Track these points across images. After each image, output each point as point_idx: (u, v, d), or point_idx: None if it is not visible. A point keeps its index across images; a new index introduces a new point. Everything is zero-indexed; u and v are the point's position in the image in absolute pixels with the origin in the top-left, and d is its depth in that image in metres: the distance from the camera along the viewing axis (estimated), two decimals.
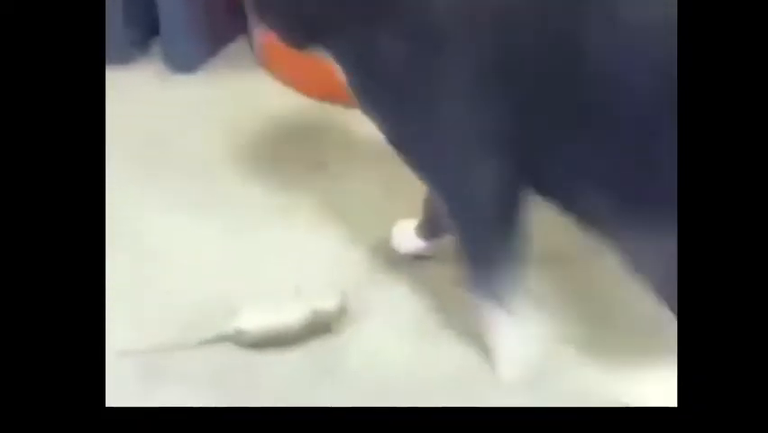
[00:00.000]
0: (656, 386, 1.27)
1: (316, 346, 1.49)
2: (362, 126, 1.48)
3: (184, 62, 2.09)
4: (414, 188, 1.57)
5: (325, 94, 1.95)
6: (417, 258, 1.64)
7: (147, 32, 2.12)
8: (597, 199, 1.24)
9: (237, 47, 2.18)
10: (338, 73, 1.41)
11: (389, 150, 1.42)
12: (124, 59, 2.08)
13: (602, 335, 1.46)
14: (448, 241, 1.57)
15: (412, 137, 1.38)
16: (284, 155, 1.86)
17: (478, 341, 1.48)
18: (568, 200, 1.28)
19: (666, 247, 1.08)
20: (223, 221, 1.70)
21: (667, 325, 1.12)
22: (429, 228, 1.62)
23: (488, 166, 1.33)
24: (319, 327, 1.49)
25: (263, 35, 2.03)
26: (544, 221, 1.35)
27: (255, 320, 1.47)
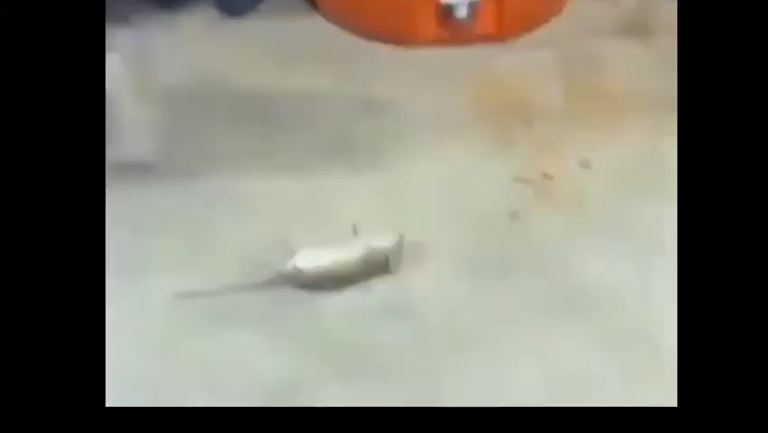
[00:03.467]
0: None
1: (375, 285, 1.49)
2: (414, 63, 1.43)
3: (234, 7, 2.04)
4: None
5: (377, 34, 1.92)
6: None
7: None
8: None
9: None
10: None
11: (441, 84, 1.36)
12: (173, 4, 2.03)
13: None
14: None
15: None
16: (338, 94, 1.83)
17: (535, 273, 1.48)
18: None
19: None
20: (280, 163, 1.69)
21: None
22: None
23: None
24: (377, 266, 1.50)
25: None
26: None
27: (313, 259, 1.49)
